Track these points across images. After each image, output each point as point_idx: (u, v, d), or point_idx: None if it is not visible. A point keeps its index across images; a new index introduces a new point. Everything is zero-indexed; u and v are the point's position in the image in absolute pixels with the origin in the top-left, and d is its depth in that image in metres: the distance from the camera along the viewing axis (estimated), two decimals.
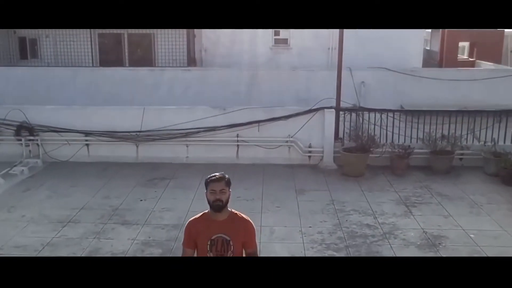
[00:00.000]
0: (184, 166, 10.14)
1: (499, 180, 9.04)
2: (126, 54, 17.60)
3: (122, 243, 6.71)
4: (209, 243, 3.79)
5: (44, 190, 8.78)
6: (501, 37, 20.02)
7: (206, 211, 3.88)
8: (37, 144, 10.35)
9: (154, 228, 7.20)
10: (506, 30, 24.95)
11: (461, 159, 10.03)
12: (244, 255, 3.89)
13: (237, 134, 10.21)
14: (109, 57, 17.48)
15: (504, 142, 9.96)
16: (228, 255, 3.79)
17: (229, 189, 3.81)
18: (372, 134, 9.76)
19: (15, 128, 10.29)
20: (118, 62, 17.31)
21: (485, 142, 9.78)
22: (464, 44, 20.97)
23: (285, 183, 9.13)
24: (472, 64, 18.69)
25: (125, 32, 17.27)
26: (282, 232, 7.03)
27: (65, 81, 15.33)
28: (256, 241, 3.94)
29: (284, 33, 17.16)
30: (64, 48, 17.36)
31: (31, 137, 10.30)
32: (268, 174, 9.59)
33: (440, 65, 18.65)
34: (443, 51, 19.16)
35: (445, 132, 9.92)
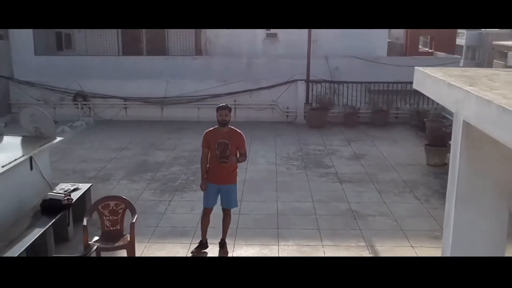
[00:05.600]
0: (196, 122, 13.94)
1: (417, 128, 12.91)
2: (144, 45, 21.38)
3: (161, 157, 10.59)
4: (217, 144, 6.04)
5: (101, 134, 12.67)
6: (454, 32, 23.93)
7: (216, 126, 6.18)
8: (89, 107, 14.22)
9: (180, 151, 11.08)
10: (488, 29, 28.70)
11: (396, 117, 13.90)
12: (238, 154, 6.16)
13: (235, 100, 14.04)
14: (130, 48, 21.25)
15: (428, 105, 13.79)
16: (227, 153, 5.98)
17: (230, 113, 6.07)
18: (331, 98, 13.63)
19: (73, 95, 14.17)
20: (138, 52, 21.07)
21: (411, 104, 13.63)
22: (425, 38, 24.96)
23: (268, 131, 13.01)
24: (430, 54, 22.54)
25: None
26: (263, 152, 10.92)
27: (95, 68, 18.98)
28: (247, 149, 6.50)
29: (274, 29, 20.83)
30: (94, 41, 21.11)
31: (85, 102, 14.18)
32: (256, 127, 13.36)
33: (404, 55, 22.45)
34: (407, 43, 23.04)
35: (385, 97, 13.79)
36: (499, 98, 2.80)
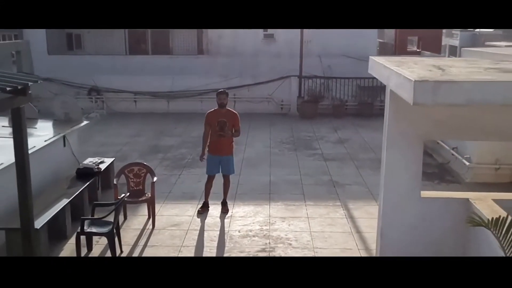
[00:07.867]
0: (199, 114, 15.17)
1: None
2: (150, 45, 22.84)
3: (170, 142, 12.08)
4: (217, 123, 7.55)
5: (114, 124, 14.16)
6: (440, 33, 25.47)
7: (216, 108, 7.69)
8: (102, 101, 15.71)
9: (186, 137, 12.56)
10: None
11: (381, 108, 15.35)
12: (234, 130, 8.03)
13: (234, 94, 15.49)
14: (137, 48, 22.72)
15: None
16: (225, 129, 7.53)
17: (227, 97, 7.73)
18: (321, 91, 15.13)
19: (87, 90, 15.65)
20: (144, 52, 22.53)
21: None
22: (413, 38, 26.53)
23: (264, 122, 14.49)
24: (418, 54, 24.03)
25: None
26: (259, 138, 12.41)
27: (105, 66, 20.37)
28: (247, 135, 8.26)
29: (271, 29, 22.24)
30: (102, 41, 22.55)
31: (98, 96, 15.66)
32: (254, 118, 14.83)
33: (394, 54, 23.91)
34: (396, 43, 24.55)
35: (371, 92, 15.27)
36: (407, 72, 4.26)
